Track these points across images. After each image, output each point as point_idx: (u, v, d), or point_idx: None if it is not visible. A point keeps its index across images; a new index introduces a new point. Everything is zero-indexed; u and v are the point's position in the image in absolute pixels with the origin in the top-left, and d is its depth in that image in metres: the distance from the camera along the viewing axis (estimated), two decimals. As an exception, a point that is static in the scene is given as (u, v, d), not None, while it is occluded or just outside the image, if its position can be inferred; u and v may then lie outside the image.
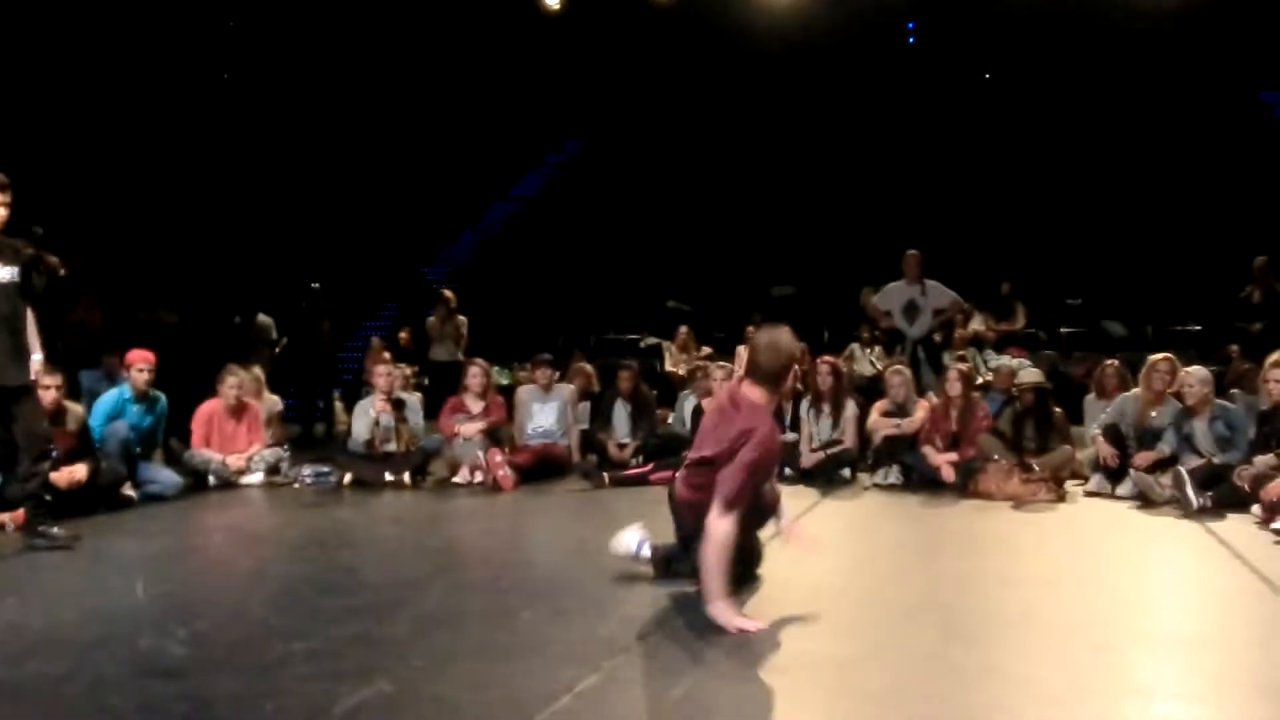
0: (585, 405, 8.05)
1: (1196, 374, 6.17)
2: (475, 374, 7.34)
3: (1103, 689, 2.81)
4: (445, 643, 3.25)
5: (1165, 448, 6.11)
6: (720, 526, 3.43)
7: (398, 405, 7.12)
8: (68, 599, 3.97)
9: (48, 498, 4.96)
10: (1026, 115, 15.36)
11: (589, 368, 8.70)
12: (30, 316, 4.92)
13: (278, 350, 10.43)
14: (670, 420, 8.01)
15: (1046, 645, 3.21)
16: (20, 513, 5.07)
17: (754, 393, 3.65)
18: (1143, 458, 6.14)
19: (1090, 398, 7.29)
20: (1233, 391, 7.04)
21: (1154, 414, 6.30)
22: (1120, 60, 15.35)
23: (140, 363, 6.63)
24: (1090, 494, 6.32)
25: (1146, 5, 14.35)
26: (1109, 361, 7.50)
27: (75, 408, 6.10)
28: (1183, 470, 5.71)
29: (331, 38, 15.06)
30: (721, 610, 3.39)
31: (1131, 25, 15.03)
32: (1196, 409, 6.08)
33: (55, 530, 4.84)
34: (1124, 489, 6.15)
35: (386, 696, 2.74)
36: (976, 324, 11.14)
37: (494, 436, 7.19)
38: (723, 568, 3.45)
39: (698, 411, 7.13)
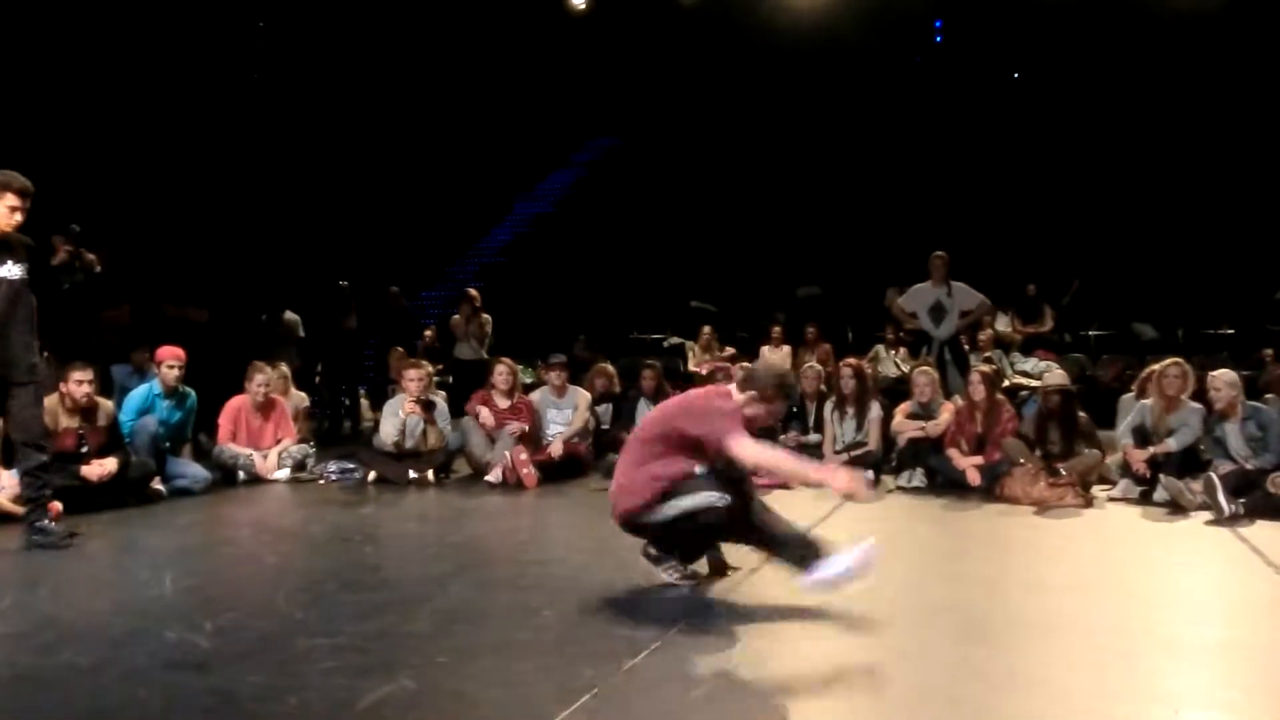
0: (607, 407, 8.06)
1: (1223, 377, 6.09)
2: (502, 372, 7.35)
3: (1129, 696, 2.78)
4: (467, 639, 3.26)
5: (1172, 443, 6.05)
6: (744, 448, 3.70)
7: (428, 407, 7.16)
8: (98, 591, 4.03)
9: (46, 493, 4.89)
10: (1055, 115, 15.20)
11: (610, 368, 8.71)
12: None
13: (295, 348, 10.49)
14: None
15: (1072, 651, 3.18)
16: (57, 504, 5.14)
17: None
18: (1136, 456, 6.09)
19: (1129, 396, 7.09)
20: (1267, 396, 6.93)
21: (1170, 419, 6.22)
22: (1149, 60, 15.15)
23: (170, 359, 6.73)
24: (1117, 499, 6.24)
25: (1172, 4, 14.17)
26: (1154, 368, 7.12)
27: (106, 403, 6.19)
28: (1214, 476, 5.63)
29: (360, 38, 15.18)
30: (832, 475, 3.70)
31: (1159, 25, 14.84)
32: (1226, 412, 6.00)
33: (51, 526, 4.79)
34: (1155, 494, 6.07)
35: (409, 692, 2.76)
36: (1003, 326, 11.04)
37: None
38: (788, 462, 3.91)
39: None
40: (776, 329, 11.18)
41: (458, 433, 7.25)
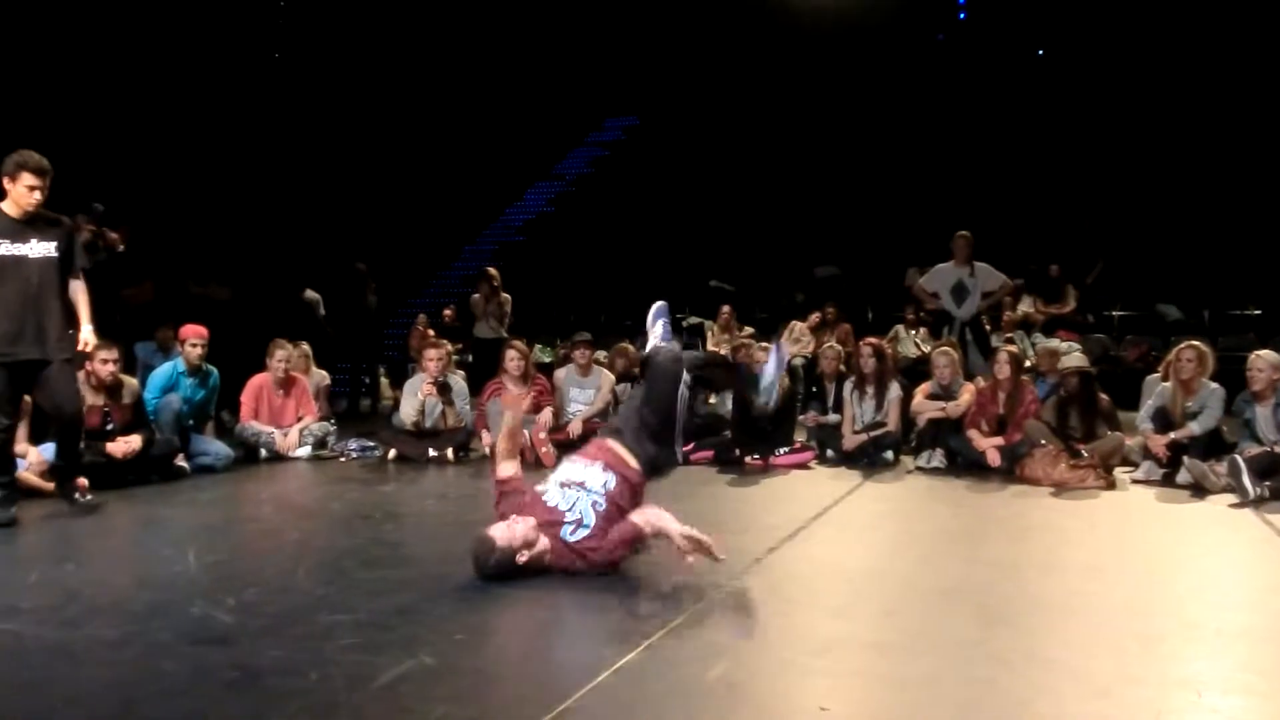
0: (626, 386, 8.05)
1: (1267, 357, 6.00)
2: (513, 358, 7.26)
3: (1150, 679, 2.76)
4: (487, 617, 3.29)
5: (1194, 426, 5.98)
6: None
7: (444, 389, 7.18)
8: (123, 566, 4.09)
9: (75, 464, 5.12)
10: (1079, 94, 14.95)
11: (631, 348, 8.69)
12: (81, 290, 4.92)
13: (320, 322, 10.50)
14: (713, 400, 7.99)
15: (1091, 634, 3.16)
16: (83, 479, 5.22)
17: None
18: (1155, 441, 6.03)
19: (1153, 377, 6.96)
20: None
21: (1189, 403, 6.15)
22: (1174, 37, 14.86)
23: (194, 337, 6.80)
24: (1140, 481, 6.19)
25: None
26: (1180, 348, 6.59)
27: (130, 381, 6.27)
28: (1239, 458, 5.56)
29: (380, 16, 15.15)
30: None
31: (1184, 2, 14.58)
32: (1262, 394, 5.92)
33: (77, 495, 5.02)
34: (1179, 477, 6.01)
35: (428, 669, 2.78)
36: (1026, 306, 10.93)
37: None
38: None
39: (739, 393, 7.10)
40: (815, 315, 10.98)
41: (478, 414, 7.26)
